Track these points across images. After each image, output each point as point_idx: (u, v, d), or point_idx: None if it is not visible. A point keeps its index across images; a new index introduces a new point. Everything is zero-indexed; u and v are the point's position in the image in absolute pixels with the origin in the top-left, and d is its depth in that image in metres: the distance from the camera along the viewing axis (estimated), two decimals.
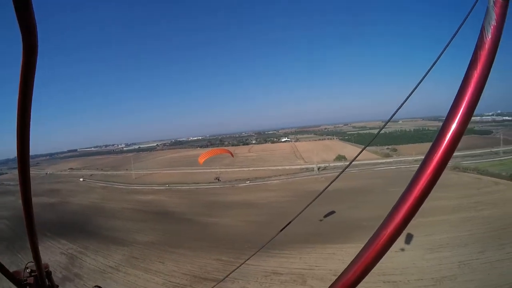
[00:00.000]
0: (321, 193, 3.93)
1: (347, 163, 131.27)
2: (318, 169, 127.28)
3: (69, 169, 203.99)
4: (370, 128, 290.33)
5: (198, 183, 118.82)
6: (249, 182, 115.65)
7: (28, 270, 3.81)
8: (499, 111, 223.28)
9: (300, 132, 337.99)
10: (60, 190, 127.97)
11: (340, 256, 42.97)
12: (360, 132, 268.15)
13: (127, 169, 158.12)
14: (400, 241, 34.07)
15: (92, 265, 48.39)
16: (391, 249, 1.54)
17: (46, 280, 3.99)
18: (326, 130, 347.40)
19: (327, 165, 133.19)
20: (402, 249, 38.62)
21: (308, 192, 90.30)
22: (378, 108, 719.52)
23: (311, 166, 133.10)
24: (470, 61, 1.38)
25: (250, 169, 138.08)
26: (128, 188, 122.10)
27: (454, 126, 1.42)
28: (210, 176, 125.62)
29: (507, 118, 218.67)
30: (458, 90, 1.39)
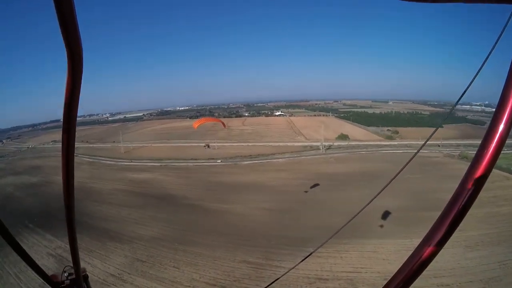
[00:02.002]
0: (390, 181, 3.57)
1: (352, 143, 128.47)
2: (323, 147, 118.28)
3: (52, 141, 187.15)
4: (361, 107, 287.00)
5: (196, 159, 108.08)
6: (253, 160, 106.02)
7: (65, 274, 3.87)
8: (486, 102, 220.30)
9: (291, 106, 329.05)
10: (42, 166, 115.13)
11: (384, 255, 39.61)
12: (353, 110, 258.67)
13: (114, 142, 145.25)
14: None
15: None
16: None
17: (84, 284, 3.96)
18: (317, 105, 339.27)
19: (331, 144, 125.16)
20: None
21: (321, 174, 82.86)
22: (368, 88, 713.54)
23: (314, 144, 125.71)
24: None
25: (249, 144, 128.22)
26: (118, 164, 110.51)
27: (498, 135, 1.40)
28: (207, 151, 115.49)
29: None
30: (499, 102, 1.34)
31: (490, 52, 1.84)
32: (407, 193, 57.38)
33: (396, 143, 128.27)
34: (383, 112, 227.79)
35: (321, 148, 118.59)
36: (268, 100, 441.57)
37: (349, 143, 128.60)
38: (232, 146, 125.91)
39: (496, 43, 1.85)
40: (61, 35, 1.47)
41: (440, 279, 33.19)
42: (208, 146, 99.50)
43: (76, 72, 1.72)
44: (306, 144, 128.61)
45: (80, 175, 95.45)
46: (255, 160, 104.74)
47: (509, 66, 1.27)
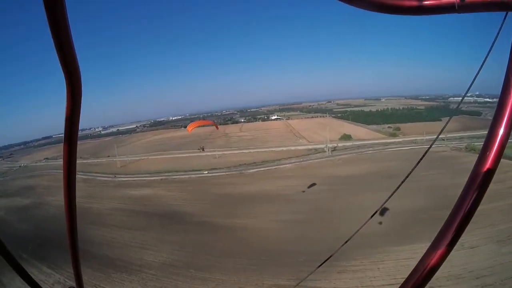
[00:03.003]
0: (404, 180, 3.44)
1: (356, 143, 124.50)
2: (328, 149, 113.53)
3: (44, 159, 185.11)
4: (355, 106, 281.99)
5: (197, 170, 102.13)
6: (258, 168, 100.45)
7: None
8: (477, 93, 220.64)
9: (284, 110, 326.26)
10: (34, 187, 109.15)
11: None
12: (347, 109, 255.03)
13: (109, 156, 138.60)
14: (468, 235, 35.74)
15: None
16: (466, 246, 1.69)
17: None
18: (310, 107, 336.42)
19: (336, 145, 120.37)
20: (472, 247, 36.79)
21: (332, 178, 78.68)
22: (359, 87, 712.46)
23: (318, 146, 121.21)
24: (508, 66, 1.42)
25: (251, 151, 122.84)
26: (115, 180, 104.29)
27: (498, 138, 1.41)
28: (208, 161, 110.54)
29: (488, 100, 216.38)
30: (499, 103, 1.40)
31: (489, 51, 1.89)
32: (426, 192, 54.79)
33: (400, 140, 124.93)
34: (379, 110, 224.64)
35: (327, 150, 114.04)
36: (260, 105, 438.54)
37: (354, 143, 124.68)
38: (233, 154, 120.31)
39: (492, 45, 1.87)
40: (57, 56, 1.49)
41: (482, 279, 32.05)
42: (203, 149, 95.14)
43: (75, 91, 1.76)
44: (309, 147, 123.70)
45: None
46: (260, 168, 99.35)
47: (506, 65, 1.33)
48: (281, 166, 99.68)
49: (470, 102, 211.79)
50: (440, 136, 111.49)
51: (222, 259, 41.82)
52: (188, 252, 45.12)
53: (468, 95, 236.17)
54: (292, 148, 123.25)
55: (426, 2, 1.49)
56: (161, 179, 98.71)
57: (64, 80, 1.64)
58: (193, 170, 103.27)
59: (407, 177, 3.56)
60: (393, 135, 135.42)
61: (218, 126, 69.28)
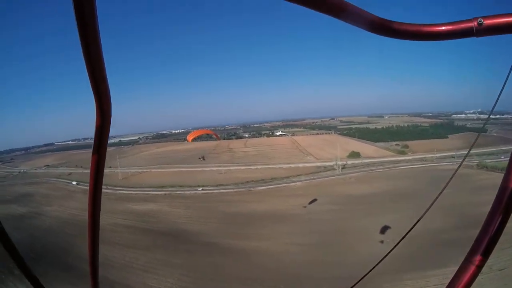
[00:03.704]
0: (434, 201, 3.21)
1: (365, 160, 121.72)
2: (339, 167, 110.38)
3: (44, 166, 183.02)
4: (359, 123, 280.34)
5: (203, 186, 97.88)
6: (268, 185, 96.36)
7: None
8: (479, 110, 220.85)
9: (288, 126, 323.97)
10: (33, 194, 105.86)
11: None
12: (351, 126, 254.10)
13: (110, 167, 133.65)
14: (493, 256, 28.61)
15: None
16: (494, 268, 1.75)
17: None
18: (314, 124, 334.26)
19: (345, 163, 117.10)
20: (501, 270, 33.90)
21: (346, 198, 75.30)
22: (363, 104, 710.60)
23: (327, 164, 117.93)
24: None
25: (258, 167, 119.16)
26: (116, 192, 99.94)
27: None
28: (213, 176, 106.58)
29: (491, 116, 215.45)
30: None
31: (510, 70, 1.78)
32: (444, 211, 49.70)
33: (410, 157, 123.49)
34: (384, 127, 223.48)
35: (337, 168, 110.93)
36: (263, 121, 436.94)
37: (363, 160, 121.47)
38: (239, 170, 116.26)
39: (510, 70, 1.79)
40: (86, 66, 1.46)
41: None
42: (204, 158, 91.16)
43: (104, 101, 1.74)
44: (318, 164, 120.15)
45: (73, 206, 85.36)
46: (270, 185, 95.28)
47: None
48: (291, 184, 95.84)
49: (473, 119, 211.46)
50: (449, 154, 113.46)
51: (238, 287, 37.58)
52: (198, 279, 40.73)
53: (470, 112, 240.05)
54: (300, 165, 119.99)
55: (443, 28, 1.52)
56: (165, 194, 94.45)
57: (91, 90, 1.60)
58: (198, 186, 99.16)
59: (437, 198, 3.17)
60: (402, 152, 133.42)
61: (224, 142, 65.79)
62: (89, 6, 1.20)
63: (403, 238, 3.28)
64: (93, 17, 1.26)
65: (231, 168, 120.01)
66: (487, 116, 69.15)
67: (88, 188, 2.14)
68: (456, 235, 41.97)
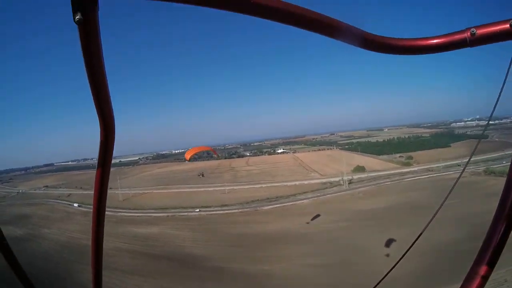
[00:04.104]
0: (437, 210, 3.12)
1: (371, 174, 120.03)
2: (345, 182, 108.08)
3: (44, 186, 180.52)
4: (359, 137, 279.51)
5: (207, 207, 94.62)
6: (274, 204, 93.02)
7: None
8: (478, 116, 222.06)
9: (288, 143, 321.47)
10: (30, 216, 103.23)
11: None
12: (352, 141, 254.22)
13: (111, 188, 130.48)
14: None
15: None
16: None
17: None
18: (314, 140, 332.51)
19: (351, 177, 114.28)
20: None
21: (356, 213, 72.77)
22: (361, 118, 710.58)
23: (333, 179, 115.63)
24: None
25: (262, 185, 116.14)
26: (117, 215, 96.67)
27: None
28: (217, 197, 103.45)
29: (491, 122, 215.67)
30: None
31: (506, 77, 1.82)
32: (456, 221, 48.88)
33: (415, 168, 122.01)
34: (385, 140, 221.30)
35: (343, 183, 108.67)
36: (263, 139, 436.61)
37: (368, 174, 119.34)
38: (243, 189, 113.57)
39: (508, 71, 1.80)
40: (94, 103, 1.54)
41: None
42: (203, 175, 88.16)
43: (107, 116, 1.78)
44: (323, 180, 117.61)
45: (73, 229, 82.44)
46: (276, 204, 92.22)
47: None
48: (298, 202, 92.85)
49: (473, 126, 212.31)
50: (454, 162, 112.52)
51: None
52: None
53: (469, 119, 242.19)
54: (306, 182, 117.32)
55: (437, 40, 1.53)
56: (168, 216, 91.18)
57: (95, 108, 1.63)
58: (202, 207, 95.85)
59: (441, 205, 3.20)
60: (407, 164, 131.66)
61: (225, 161, 63.75)
62: (93, 31, 1.25)
63: (411, 245, 3.20)
64: (97, 41, 1.30)
65: (235, 187, 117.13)
66: (486, 122, 67.29)
67: (91, 209, 2.14)
68: (471, 247, 39.29)
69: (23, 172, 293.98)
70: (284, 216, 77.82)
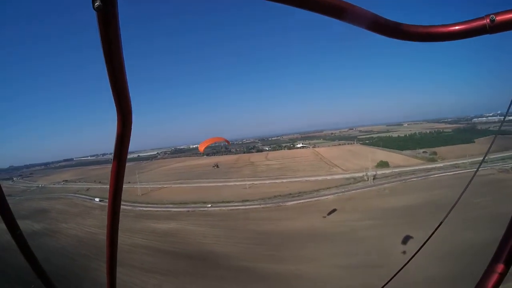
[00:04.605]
0: (453, 206, 3.24)
1: (395, 170, 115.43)
2: (369, 178, 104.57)
3: (63, 181, 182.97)
4: (378, 132, 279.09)
5: (228, 202, 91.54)
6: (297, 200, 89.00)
7: None
8: (499, 112, 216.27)
9: (307, 138, 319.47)
10: (48, 211, 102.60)
11: None
12: (372, 136, 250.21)
13: (129, 182, 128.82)
14: None
15: None
16: None
17: None
18: (333, 135, 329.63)
19: (375, 173, 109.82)
20: None
21: (384, 211, 68.67)
22: (380, 113, 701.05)
23: (356, 175, 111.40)
24: None
25: (284, 181, 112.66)
26: (136, 209, 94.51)
27: None
28: (238, 192, 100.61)
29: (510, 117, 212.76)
30: None
31: None
32: (486, 221, 45.05)
33: (441, 164, 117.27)
34: (407, 135, 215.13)
35: (368, 179, 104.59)
36: (281, 133, 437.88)
37: (393, 170, 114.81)
38: (264, 184, 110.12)
39: None
40: (111, 92, 1.53)
41: None
42: (217, 166, 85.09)
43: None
44: (346, 176, 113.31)
45: (90, 223, 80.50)
46: (299, 200, 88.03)
47: None
48: (322, 197, 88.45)
49: (495, 122, 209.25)
50: (479, 159, 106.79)
51: None
52: None
53: (490, 114, 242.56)
54: (328, 177, 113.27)
55: (456, 28, 1.51)
56: (188, 211, 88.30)
57: (113, 100, 1.64)
58: (222, 202, 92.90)
59: (456, 203, 3.28)
60: (432, 160, 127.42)
61: (244, 156, 60.11)
62: (112, 17, 1.26)
63: (427, 239, 3.20)
64: (116, 28, 1.30)
65: (255, 182, 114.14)
66: (503, 117, 62.66)
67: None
68: None
69: (43, 167, 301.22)
70: (308, 212, 74.00)
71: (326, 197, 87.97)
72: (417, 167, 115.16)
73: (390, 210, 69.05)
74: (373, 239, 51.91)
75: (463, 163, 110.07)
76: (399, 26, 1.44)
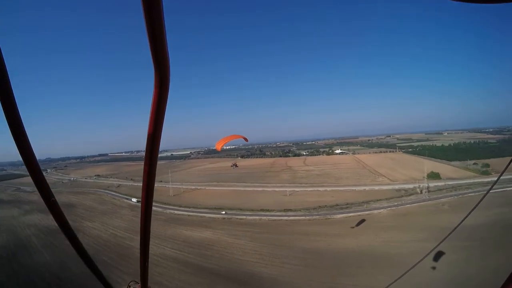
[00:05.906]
0: (469, 213, 3.36)
1: (448, 182, 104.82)
2: (423, 191, 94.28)
3: (95, 175, 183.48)
4: (417, 140, 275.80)
5: (267, 211, 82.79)
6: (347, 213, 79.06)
7: None
8: None
9: (343, 144, 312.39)
10: (76, 206, 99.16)
11: None
12: (411, 144, 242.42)
13: (161, 181, 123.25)
14: None
15: None
16: None
17: None
18: (370, 141, 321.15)
19: (426, 185, 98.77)
20: None
21: (447, 230, 55.64)
22: (417, 121, 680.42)
23: (406, 186, 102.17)
24: None
25: (327, 189, 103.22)
26: (166, 212, 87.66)
27: None
28: (278, 199, 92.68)
29: None
30: None
31: None
32: None
33: (496, 178, 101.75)
34: (451, 144, 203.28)
35: (421, 191, 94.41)
36: (315, 138, 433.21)
37: (446, 183, 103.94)
38: (306, 192, 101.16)
39: None
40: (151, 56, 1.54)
41: None
42: (236, 165, 77.87)
43: (162, 101, 1.93)
44: (396, 187, 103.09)
45: (117, 224, 74.24)
46: (348, 212, 78.07)
47: None
48: (374, 211, 78.18)
49: None
50: None
51: None
52: None
53: None
54: (376, 188, 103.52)
55: None
56: (224, 218, 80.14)
57: (154, 87, 1.75)
58: (261, 210, 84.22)
59: (459, 224, 3.50)
60: (485, 173, 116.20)
61: (281, 160, 51.39)
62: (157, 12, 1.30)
63: (443, 240, 3.61)
64: (159, 9, 1.31)
65: (296, 189, 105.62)
66: None
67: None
68: None
69: (78, 160, 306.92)
70: (362, 228, 64.30)
71: (378, 211, 77.65)
72: (471, 180, 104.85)
73: (457, 231, 58.50)
74: (449, 265, 42.09)
75: None
76: None
